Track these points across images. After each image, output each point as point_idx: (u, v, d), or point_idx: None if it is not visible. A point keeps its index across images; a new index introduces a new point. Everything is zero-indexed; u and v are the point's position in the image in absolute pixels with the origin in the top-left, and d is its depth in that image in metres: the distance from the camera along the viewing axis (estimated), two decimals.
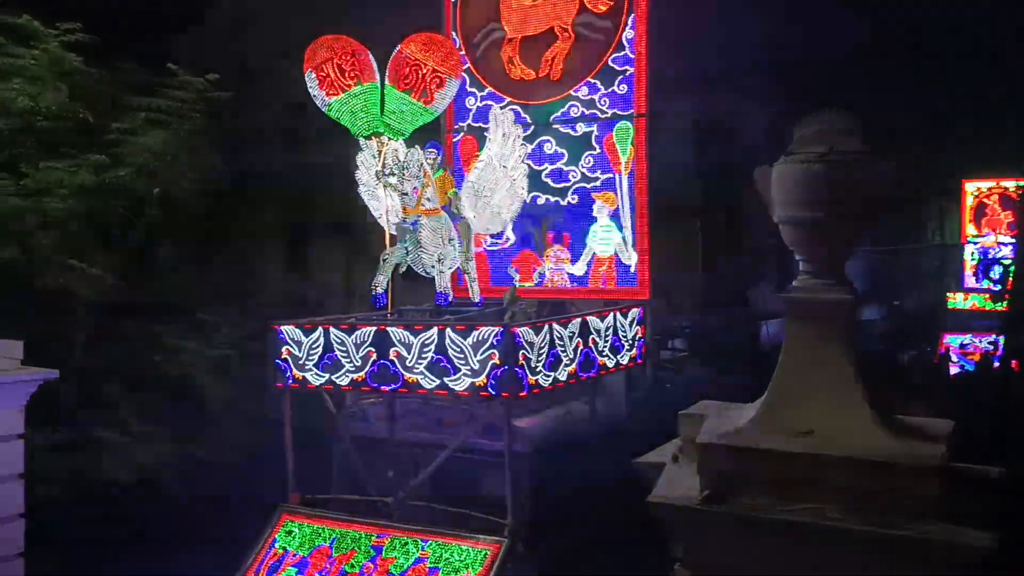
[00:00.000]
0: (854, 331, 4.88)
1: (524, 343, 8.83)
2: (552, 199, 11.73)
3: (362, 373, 9.44)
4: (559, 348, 9.43)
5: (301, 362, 9.72)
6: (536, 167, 11.72)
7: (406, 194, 9.40)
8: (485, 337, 8.82)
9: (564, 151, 11.59)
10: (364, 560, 9.07)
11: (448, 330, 8.97)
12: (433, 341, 9.04)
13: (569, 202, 11.61)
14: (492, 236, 11.90)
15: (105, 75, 13.36)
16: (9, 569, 8.85)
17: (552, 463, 9.80)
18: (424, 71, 9.61)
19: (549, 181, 11.71)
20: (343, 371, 9.52)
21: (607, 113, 11.35)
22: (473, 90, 12.22)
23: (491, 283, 11.95)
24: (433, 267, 9.65)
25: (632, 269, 11.26)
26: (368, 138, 9.95)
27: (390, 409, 10.44)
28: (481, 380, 8.86)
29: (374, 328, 9.32)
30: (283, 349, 9.86)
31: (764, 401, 4.72)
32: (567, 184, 11.61)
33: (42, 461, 10.66)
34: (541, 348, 9.12)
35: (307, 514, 9.69)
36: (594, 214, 11.47)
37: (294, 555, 9.39)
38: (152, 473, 12.20)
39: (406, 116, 9.82)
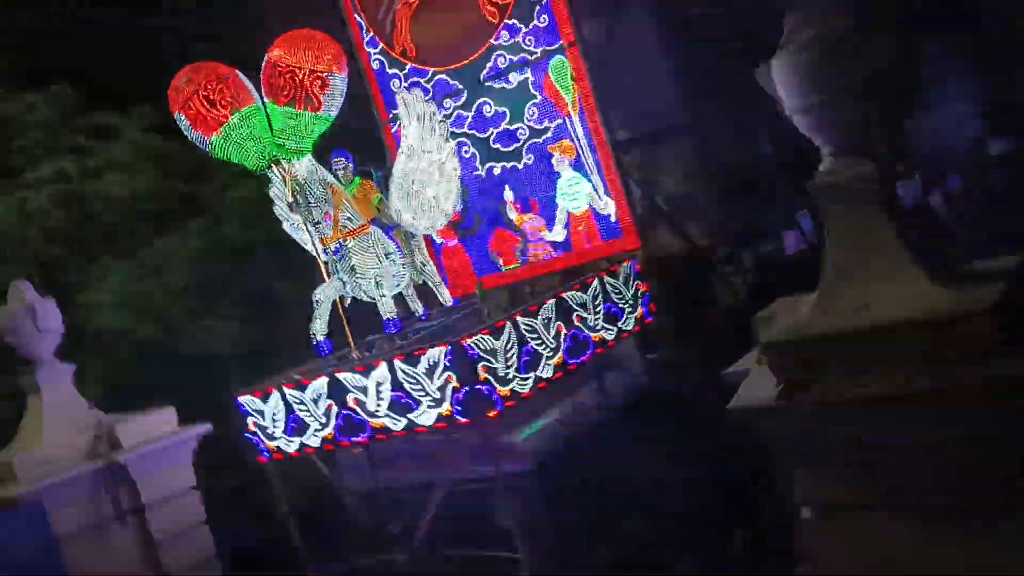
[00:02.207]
0: (889, 200, 4.85)
1: (480, 354, 7.56)
2: (507, 165, 10.30)
3: (329, 429, 8.40)
4: (533, 342, 8.09)
5: (269, 431, 8.75)
6: (481, 135, 10.34)
7: (318, 223, 8.17)
8: (436, 359, 7.60)
9: (505, 109, 10.14)
10: None
11: (396, 362, 7.78)
12: (386, 378, 7.89)
13: (525, 163, 10.17)
14: (462, 226, 10.61)
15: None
16: None
17: (560, 475, 8.52)
18: (300, 76, 8.29)
19: (499, 147, 10.30)
20: (311, 431, 8.51)
21: (536, 53, 9.81)
22: (395, 71, 10.86)
23: (478, 274, 10.67)
24: (377, 296, 8.39)
25: (612, 218, 9.75)
26: (268, 168, 8.74)
27: (377, 454, 9.33)
28: (445, 408, 7.66)
29: (324, 378, 8.22)
30: (248, 422, 8.90)
31: (818, 289, 4.97)
32: (518, 144, 10.16)
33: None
34: (508, 351, 7.82)
35: None
36: (556, 169, 9.99)
37: None
38: None
39: (298, 132, 8.51)
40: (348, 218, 8.28)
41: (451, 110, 10.42)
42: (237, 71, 8.53)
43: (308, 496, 9.24)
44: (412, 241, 9.06)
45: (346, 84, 8.58)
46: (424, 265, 9.14)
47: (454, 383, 7.53)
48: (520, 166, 10.18)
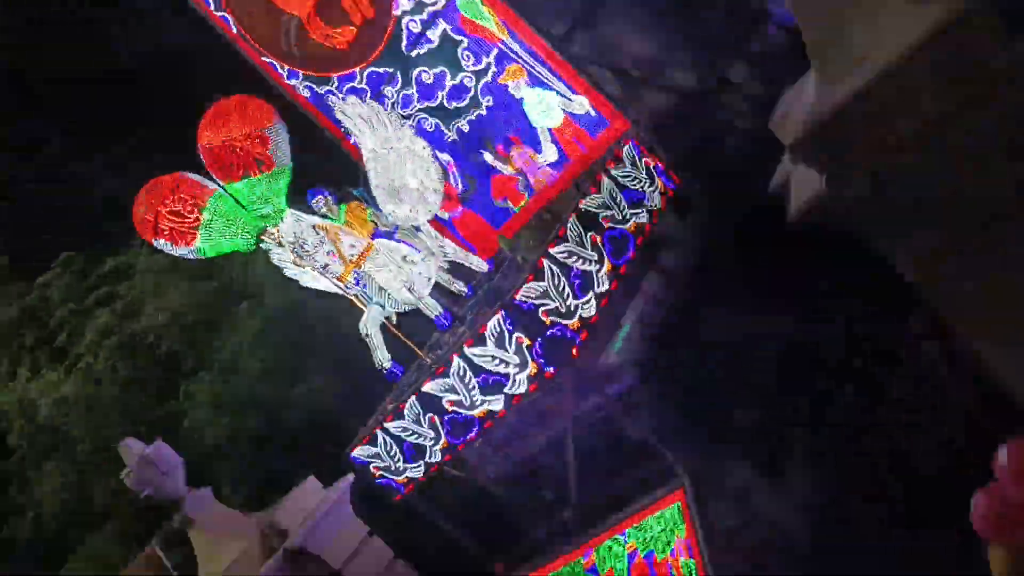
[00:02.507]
0: None
1: (534, 302, 7.46)
2: (471, 118, 10.06)
3: (443, 439, 8.43)
4: (576, 264, 7.95)
5: (394, 468, 8.84)
6: (433, 103, 10.11)
7: (327, 265, 8.12)
8: (498, 328, 7.54)
9: (441, 68, 9.88)
10: None
11: (466, 349, 7.74)
12: (465, 368, 7.87)
13: (487, 107, 9.90)
14: (460, 190, 10.45)
15: None
16: None
17: (666, 364, 8.39)
18: (239, 147, 8.20)
19: (455, 104, 10.05)
20: (428, 449, 8.56)
21: (437, 1, 9.47)
22: (325, 89, 10.63)
23: (496, 227, 10.52)
24: (415, 299, 8.34)
25: (592, 112, 9.46)
26: (260, 242, 8.71)
27: (496, 439, 9.33)
28: (531, 368, 7.60)
29: (413, 397, 8.24)
30: (371, 470, 9.00)
31: (811, 67, 4.12)
32: (470, 93, 9.90)
33: None
34: (559, 285, 7.71)
35: None
36: (517, 96, 9.71)
37: None
38: None
39: (266, 196, 8.47)
40: (351, 246, 8.21)
41: (394, 96, 10.19)
42: (181, 173, 8.46)
43: (458, 506, 9.30)
44: (420, 233, 8.95)
45: (284, 128, 8.46)
46: (442, 247, 9.04)
47: (526, 341, 7.46)
48: (483, 111, 9.93)
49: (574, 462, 8.53)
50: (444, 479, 9.14)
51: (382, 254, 8.32)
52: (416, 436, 8.52)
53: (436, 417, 8.29)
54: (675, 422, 7.88)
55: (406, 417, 8.42)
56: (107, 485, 12.61)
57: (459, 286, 9.11)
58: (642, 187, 8.90)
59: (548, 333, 7.42)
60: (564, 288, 7.70)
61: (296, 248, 8.04)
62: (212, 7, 10.54)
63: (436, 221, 10.09)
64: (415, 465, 8.74)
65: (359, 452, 8.95)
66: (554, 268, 7.75)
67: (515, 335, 7.49)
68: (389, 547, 9.21)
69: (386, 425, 8.58)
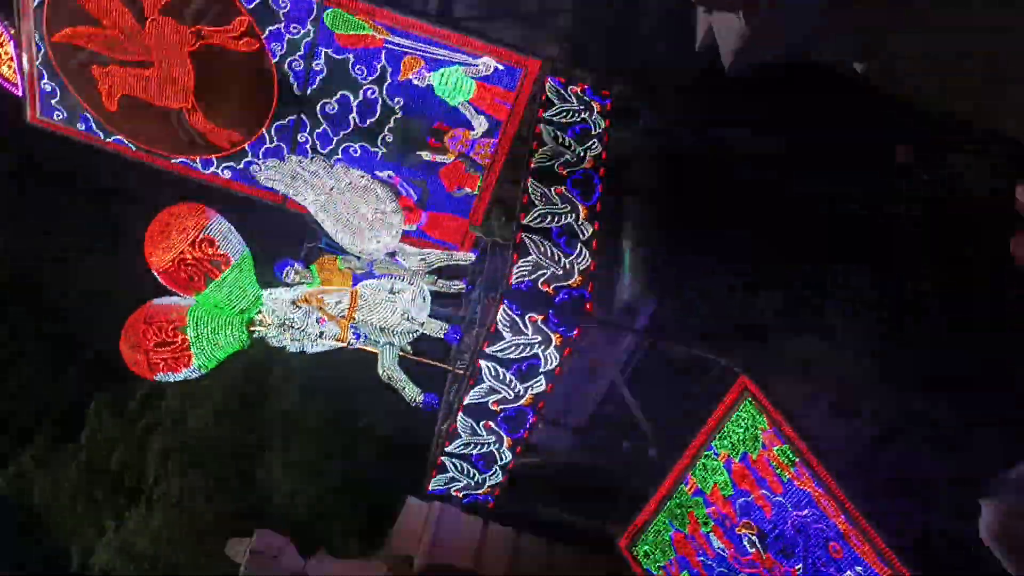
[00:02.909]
0: None
1: (531, 279, 7.32)
2: (391, 125, 9.80)
3: (506, 438, 8.37)
4: (555, 223, 7.79)
5: (474, 483, 8.81)
6: (348, 130, 9.90)
7: (323, 333, 7.98)
8: (508, 318, 7.46)
9: (342, 92, 9.62)
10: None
11: (487, 350, 7.62)
12: (494, 367, 7.76)
13: (401, 109, 9.63)
14: (415, 198, 10.25)
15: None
16: None
17: (673, 283, 8.25)
18: (188, 257, 7.99)
19: (370, 121, 9.80)
20: (499, 452, 8.53)
21: (307, 30, 9.18)
22: (245, 161, 10.40)
23: (465, 216, 10.34)
24: (417, 328, 8.21)
25: (500, 67, 9.19)
26: (252, 334, 8.56)
27: (551, 414, 9.25)
28: (556, 339, 7.50)
29: (459, 413, 8.15)
30: (453, 493, 8.97)
31: None
32: (379, 103, 9.62)
33: None
34: (547, 252, 7.56)
35: None
36: (424, 85, 9.43)
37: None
38: None
39: (236, 292, 8.28)
40: (337, 303, 8.05)
41: (310, 139, 9.96)
42: (149, 303, 8.30)
43: (550, 489, 9.28)
44: (397, 257, 8.78)
45: (222, 220, 8.26)
46: (423, 259, 8.87)
47: (539, 318, 7.33)
48: (399, 114, 9.67)
49: (636, 403, 8.46)
50: (526, 471, 9.10)
51: (369, 297, 8.16)
52: (480, 446, 8.45)
53: (490, 422, 8.21)
54: (709, 327, 7.76)
55: (462, 435, 8.34)
56: None
57: (456, 285, 8.97)
58: (581, 118, 8.67)
59: (557, 301, 7.28)
60: (552, 251, 7.53)
61: (286, 329, 7.88)
62: (103, 137, 10.29)
63: (407, 236, 9.93)
64: (491, 472, 8.69)
65: (435, 484, 8.92)
66: (534, 237, 7.59)
67: (526, 317, 7.36)
68: (509, 526, 9.46)
69: (447, 450, 8.51)
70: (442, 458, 8.60)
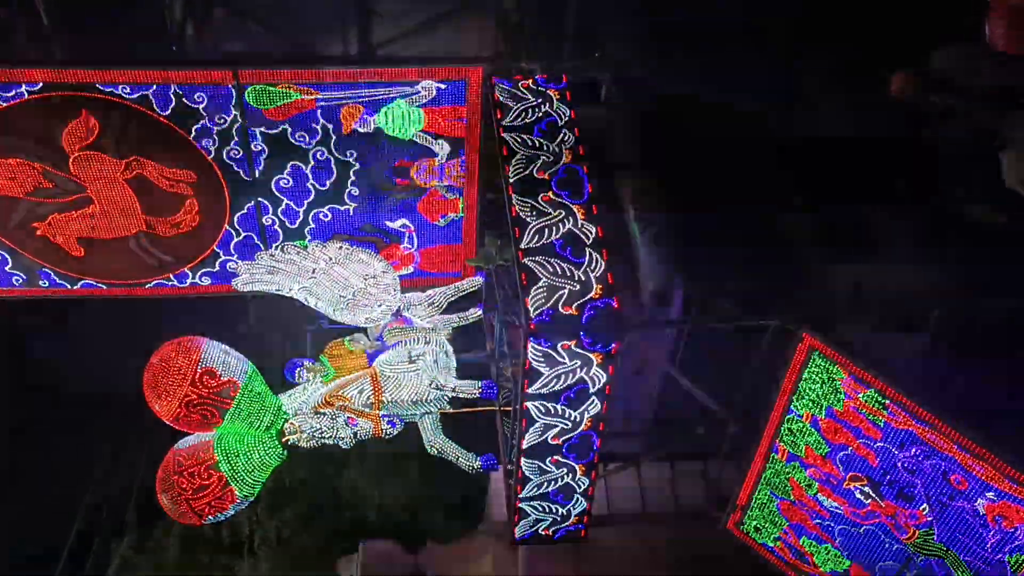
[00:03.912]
0: None
1: (547, 306, 6.74)
2: (351, 179, 9.21)
3: (579, 464, 7.89)
4: (555, 236, 7.19)
5: (559, 517, 8.38)
6: (312, 197, 9.28)
7: (355, 433, 7.47)
8: (540, 353, 6.91)
9: (290, 163, 9.01)
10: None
11: (529, 390, 7.10)
12: (542, 406, 7.24)
13: (358, 161, 9.04)
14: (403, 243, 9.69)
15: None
16: None
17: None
18: (194, 397, 7.42)
19: (329, 181, 9.17)
20: (575, 482, 8.04)
21: (231, 115, 8.56)
22: (222, 260, 9.84)
23: (458, 243, 9.77)
24: (449, 393, 7.66)
25: (441, 86, 8.54)
26: (285, 443, 8.05)
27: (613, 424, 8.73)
28: (596, 358, 6.95)
29: (522, 457, 7.66)
30: (542, 534, 8.53)
31: None
32: (332, 162, 9.02)
33: None
34: (552, 268, 6.99)
35: None
36: (373, 129, 8.81)
37: None
38: None
39: (256, 410, 7.73)
40: (360, 392, 7.51)
41: (276, 220, 9.39)
42: (172, 449, 7.82)
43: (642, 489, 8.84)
44: (403, 313, 8.25)
45: (215, 344, 7.72)
46: (430, 303, 8.35)
47: (571, 344, 6.77)
48: (356, 166, 9.06)
49: (695, 386, 7.91)
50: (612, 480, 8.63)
51: (391, 374, 7.62)
52: (554, 482, 7.96)
53: (556, 456, 7.71)
54: (748, 292, 7.19)
55: (532, 477, 7.85)
56: None
57: (473, 313, 8.50)
58: (543, 112, 8.01)
59: (584, 321, 6.70)
60: (561, 267, 6.94)
61: (317, 439, 7.37)
62: (69, 287, 9.78)
63: (407, 280, 9.44)
64: (573, 502, 8.23)
65: (520, 530, 8.47)
66: (537, 259, 6.99)
67: (558, 346, 6.80)
68: None
69: (522, 496, 8.02)
70: (519, 504, 8.11)
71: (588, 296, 6.79)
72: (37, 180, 8.76)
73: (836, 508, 7.51)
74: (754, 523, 8.35)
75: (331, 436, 7.33)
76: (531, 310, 6.69)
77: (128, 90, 8.30)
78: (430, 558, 9.25)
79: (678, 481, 8.91)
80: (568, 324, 6.70)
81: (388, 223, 9.55)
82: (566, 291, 6.82)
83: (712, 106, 7.78)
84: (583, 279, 6.89)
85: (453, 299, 8.68)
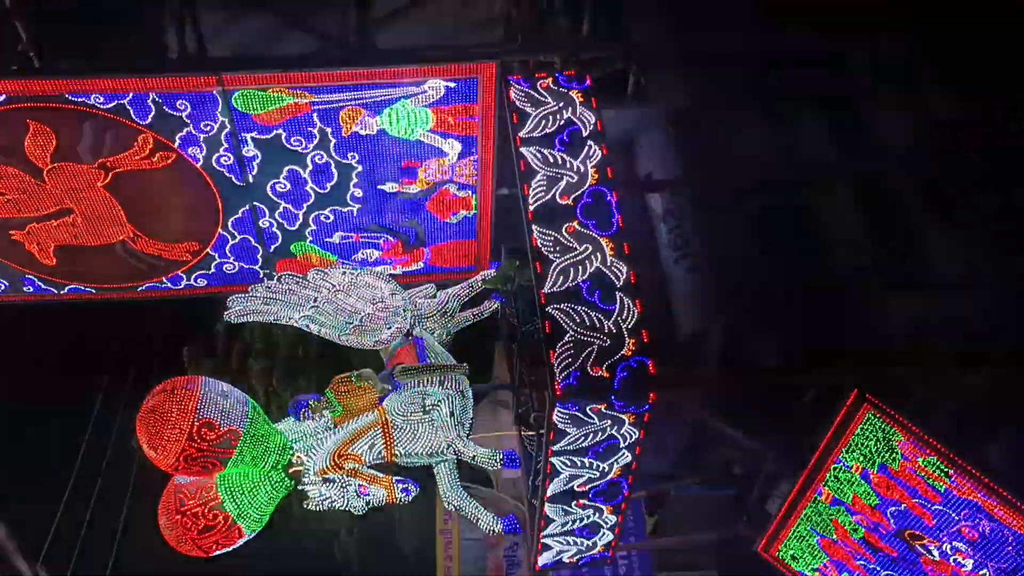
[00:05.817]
0: None
1: (575, 366, 6.10)
2: (353, 180, 8.41)
3: (606, 506, 7.43)
4: (582, 277, 6.46)
5: (584, 548, 7.99)
6: (312, 200, 8.54)
7: (368, 502, 6.86)
8: (567, 418, 6.27)
9: (287, 167, 8.22)
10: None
11: (555, 448, 6.52)
12: (569, 460, 6.69)
13: (359, 161, 8.23)
14: (414, 244, 8.98)
15: None
16: None
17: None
18: (194, 451, 6.83)
19: (330, 184, 8.38)
20: (601, 519, 7.62)
21: (219, 122, 7.71)
22: (219, 262, 9.17)
23: (471, 238, 9.05)
24: (467, 460, 6.96)
25: (451, 85, 7.64)
26: (296, 481, 7.56)
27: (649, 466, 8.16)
28: (628, 418, 6.34)
29: (549, 505, 7.16)
30: (567, 561, 8.16)
31: None
32: (332, 165, 8.21)
33: None
34: (579, 318, 6.30)
35: None
36: (375, 132, 7.96)
37: None
38: None
39: (259, 451, 7.22)
40: (371, 447, 6.86)
41: (273, 223, 8.67)
42: (172, 482, 7.33)
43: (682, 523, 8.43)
44: (413, 332, 7.59)
45: (210, 387, 7.09)
46: (442, 313, 7.71)
47: (601, 407, 6.16)
48: (359, 168, 8.25)
49: (732, 428, 7.33)
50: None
51: (403, 424, 6.85)
52: (579, 520, 7.51)
53: (582, 500, 7.21)
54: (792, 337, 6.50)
55: (555, 519, 7.38)
56: None
57: (489, 307, 7.92)
58: (565, 119, 7.13)
59: (617, 385, 6.03)
60: (589, 317, 6.24)
61: (327, 507, 6.83)
62: (56, 292, 9.15)
63: (415, 276, 8.84)
64: (599, 535, 7.80)
65: (543, 560, 8.08)
66: (562, 306, 6.28)
67: (587, 409, 6.17)
68: None
69: (546, 533, 7.56)
70: (543, 539, 7.67)
71: (620, 354, 6.11)
72: (16, 190, 8.05)
73: (884, 555, 7.04)
74: (791, 551, 7.92)
75: (342, 505, 6.78)
76: (557, 373, 6.02)
77: (102, 100, 7.43)
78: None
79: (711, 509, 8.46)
80: (597, 387, 6.04)
81: (394, 223, 8.80)
82: (595, 347, 6.13)
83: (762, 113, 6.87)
84: (614, 331, 6.19)
85: (467, 299, 8.05)
